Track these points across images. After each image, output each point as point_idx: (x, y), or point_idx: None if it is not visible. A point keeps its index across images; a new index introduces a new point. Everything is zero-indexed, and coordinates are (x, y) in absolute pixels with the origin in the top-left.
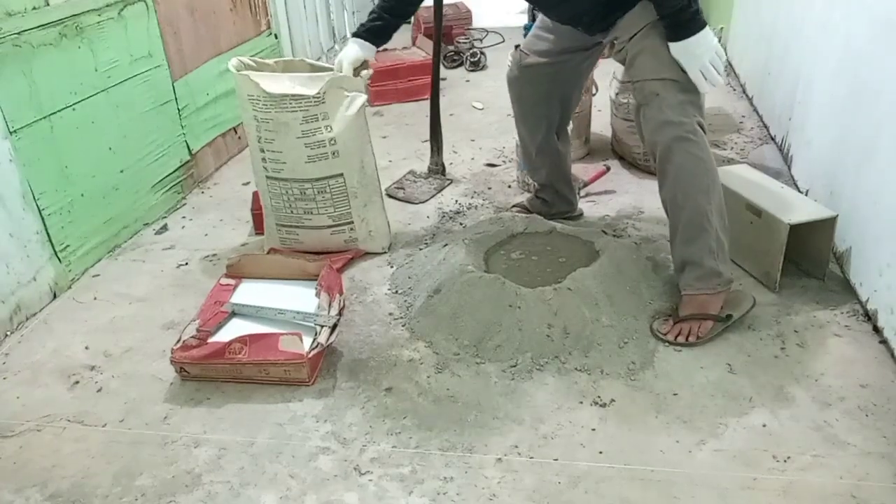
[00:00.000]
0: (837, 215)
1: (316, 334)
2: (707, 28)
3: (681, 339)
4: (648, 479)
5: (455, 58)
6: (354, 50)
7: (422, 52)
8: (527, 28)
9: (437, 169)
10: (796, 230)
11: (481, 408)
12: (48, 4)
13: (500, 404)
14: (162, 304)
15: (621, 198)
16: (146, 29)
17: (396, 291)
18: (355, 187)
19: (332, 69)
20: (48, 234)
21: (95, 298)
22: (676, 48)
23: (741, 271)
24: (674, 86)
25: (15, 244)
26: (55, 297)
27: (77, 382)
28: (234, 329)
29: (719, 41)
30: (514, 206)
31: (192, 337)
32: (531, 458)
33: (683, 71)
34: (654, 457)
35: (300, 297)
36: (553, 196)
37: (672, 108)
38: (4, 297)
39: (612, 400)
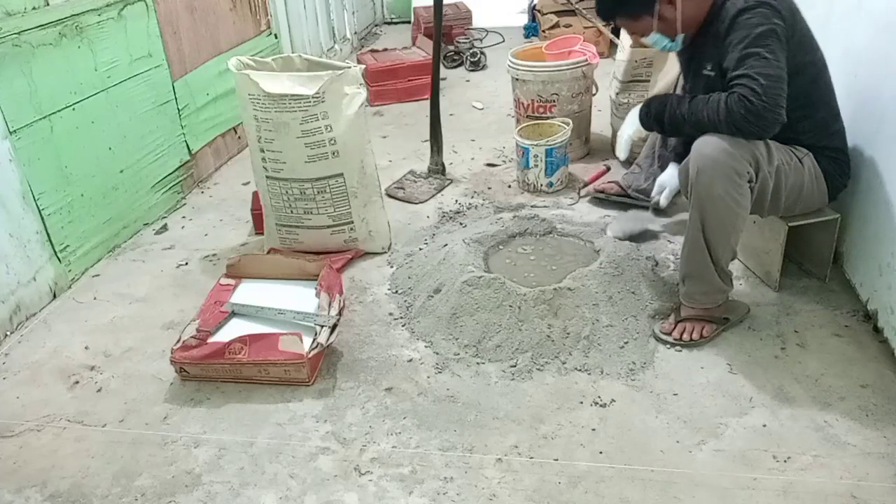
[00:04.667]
0: (839, 216)
1: (316, 334)
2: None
3: (686, 336)
4: (648, 479)
5: (455, 58)
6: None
7: (422, 52)
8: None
9: (437, 169)
10: (798, 231)
11: (481, 408)
12: (48, 4)
13: (500, 404)
14: (162, 304)
15: None
16: (146, 29)
17: (396, 291)
18: (355, 187)
19: (330, 65)
20: (48, 234)
21: (95, 298)
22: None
23: (743, 270)
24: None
25: (15, 244)
26: (55, 297)
27: (77, 382)
28: (234, 329)
29: None
30: (599, 190)
31: (192, 337)
32: (531, 458)
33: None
34: (654, 457)
35: (300, 297)
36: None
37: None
38: (4, 297)
39: (612, 400)
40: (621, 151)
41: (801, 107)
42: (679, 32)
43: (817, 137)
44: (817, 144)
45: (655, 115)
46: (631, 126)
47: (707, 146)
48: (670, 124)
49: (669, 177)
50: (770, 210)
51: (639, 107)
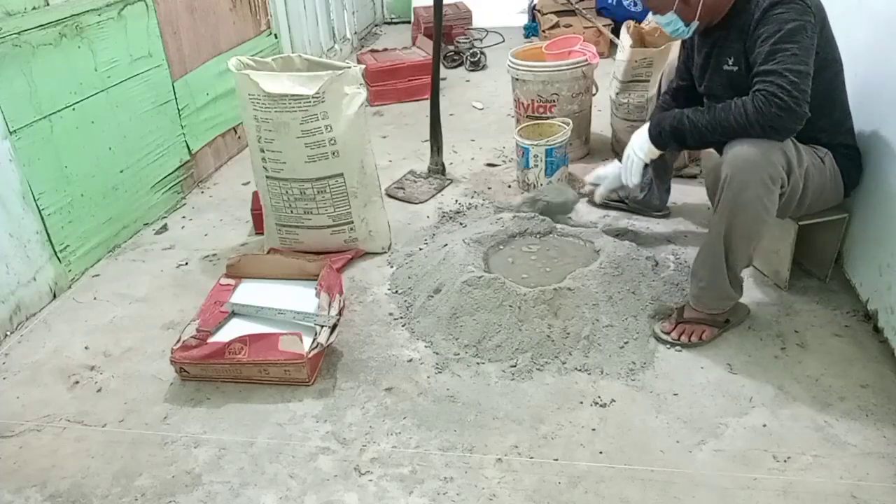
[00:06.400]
0: (847, 216)
1: (316, 334)
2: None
3: (684, 338)
4: (648, 479)
5: (455, 58)
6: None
7: (422, 52)
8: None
9: (437, 169)
10: (803, 230)
11: (481, 408)
12: (48, 4)
13: (500, 404)
14: (162, 304)
15: None
16: (146, 29)
17: (396, 291)
18: (355, 187)
19: (330, 65)
20: (48, 234)
21: (95, 298)
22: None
23: (750, 269)
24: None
25: (15, 244)
26: (55, 297)
27: (77, 382)
28: (234, 329)
29: None
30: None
31: (192, 337)
32: (531, 458)
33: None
34: (654, 457)
35: (300, 297)
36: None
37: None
38: (4, 297)
39: (612, 400)
40: (635, 176)
41: (820, 105)
42: (696, 19)
43: (833, 135)
44: (833, 142)
45: (672, 133)
46: (641, 150)
47: (742, 150)
48: (693, 138)
49: (610, 171)
50: (794, 213)
51: (645, 129)
